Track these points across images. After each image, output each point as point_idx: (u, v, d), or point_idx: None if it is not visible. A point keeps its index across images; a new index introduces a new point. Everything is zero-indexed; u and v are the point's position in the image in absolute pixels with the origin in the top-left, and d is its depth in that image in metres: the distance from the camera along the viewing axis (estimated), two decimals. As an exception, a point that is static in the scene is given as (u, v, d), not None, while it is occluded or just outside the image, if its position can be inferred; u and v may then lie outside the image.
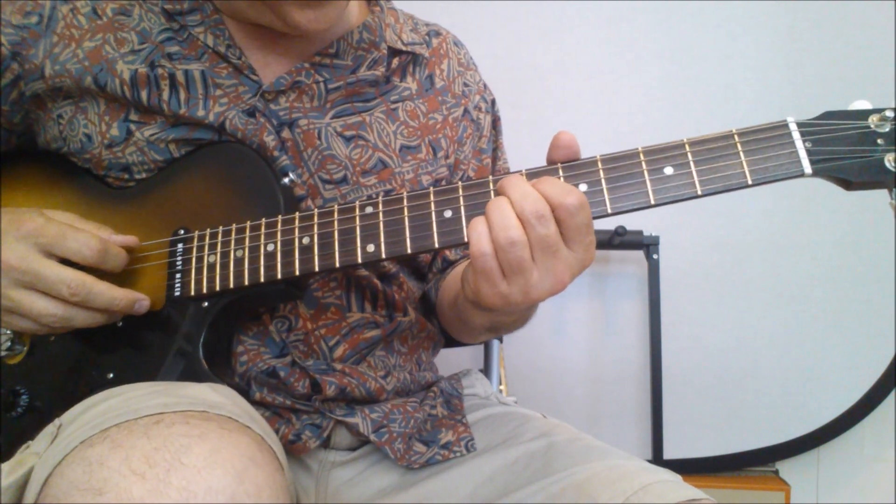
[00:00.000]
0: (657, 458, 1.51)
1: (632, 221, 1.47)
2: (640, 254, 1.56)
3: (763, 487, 1.50)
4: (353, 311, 0.74)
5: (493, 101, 0.90)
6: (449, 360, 1.07)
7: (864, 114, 0.57)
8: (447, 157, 0.81)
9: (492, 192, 0.59)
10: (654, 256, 1.52)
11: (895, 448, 1.54)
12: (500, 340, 1.19)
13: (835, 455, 1.56)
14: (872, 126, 0.57)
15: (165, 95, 0.70)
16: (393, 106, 0.77)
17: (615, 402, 1.59)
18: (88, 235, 0.63)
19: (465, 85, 0.85)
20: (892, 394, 1.52)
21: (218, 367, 0.67)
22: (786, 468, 1.58)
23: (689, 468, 1.55)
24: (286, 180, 0.70)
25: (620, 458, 0.65)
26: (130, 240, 0.68)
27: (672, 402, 1.53)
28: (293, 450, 0.71)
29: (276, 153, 0.71)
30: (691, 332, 1.57)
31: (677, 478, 0.63)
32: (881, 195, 0.58)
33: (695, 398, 1.57)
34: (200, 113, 0.70)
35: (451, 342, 0.91)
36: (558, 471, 0.64)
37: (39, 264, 0.61)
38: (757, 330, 1.55)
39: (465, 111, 0.84)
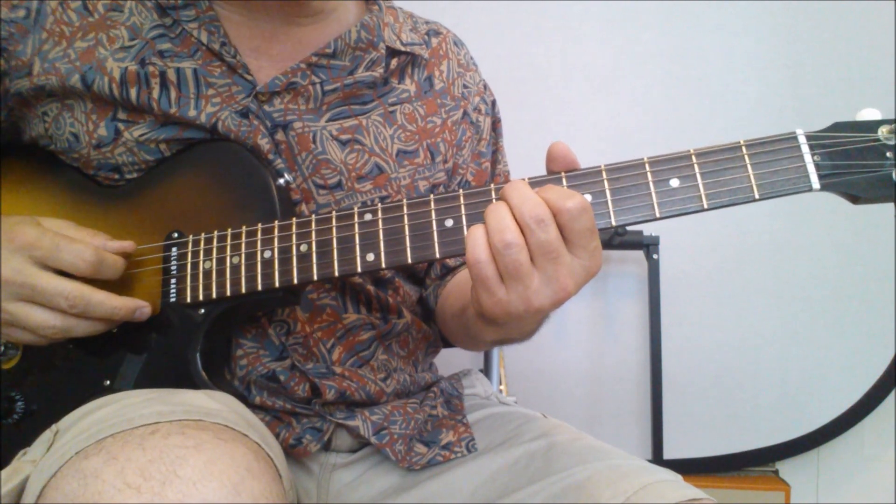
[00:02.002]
0: (657, 458, 1.50)
1: (632, 221, 1.47)
2: (640, 254, 1.55)
3: (763, 487, 1.50)
4: (349, 311, 0.74)
5: (494, 103, 0.88)
6: (449, 360, 1.07)
7: (874, 125, 0.56)
8: (445, 161, 0.80)
9: (493, 200, 0.57)
10: (654, 256, 1.51)
11: (895, 448, 1.54)
12: (500, 341, 1.18)
13: (835, 455, 1.56)
14: (882, 139, 0.55)
15: (155, 94, 0.68)
16: (391, 108, 0.76)
17: (615, 402, 1.59)
18: (83, 246, 0.62)
19: (465, 87, 0.83)
20: (892, 394, 1.51)
21: (215, 373, 0.66)
22: (786, 468, 1.57)
23: (689, 468, 1.55)
24: (282, 181, 0.68)
25: (621, 457, 0.65)
26: (127, 245, 0.66)
27: (672, 402, 1.53)
28: (294, 453, 0.70)
29: (270, 156, 0.69)
30: (691, 332, 1.56)
31: (677, 478, 0.63)
32: (882, 195, 0.58)
33: (695, 398, 1.56)
34: (192, 113, 0.68)
35: (450, 345, 0.90)
36: (559, 471, 0.64)
37: (36, 277, 0.60)
38: (757, 330, 1.55)
39: (465, 114, 0.82)
